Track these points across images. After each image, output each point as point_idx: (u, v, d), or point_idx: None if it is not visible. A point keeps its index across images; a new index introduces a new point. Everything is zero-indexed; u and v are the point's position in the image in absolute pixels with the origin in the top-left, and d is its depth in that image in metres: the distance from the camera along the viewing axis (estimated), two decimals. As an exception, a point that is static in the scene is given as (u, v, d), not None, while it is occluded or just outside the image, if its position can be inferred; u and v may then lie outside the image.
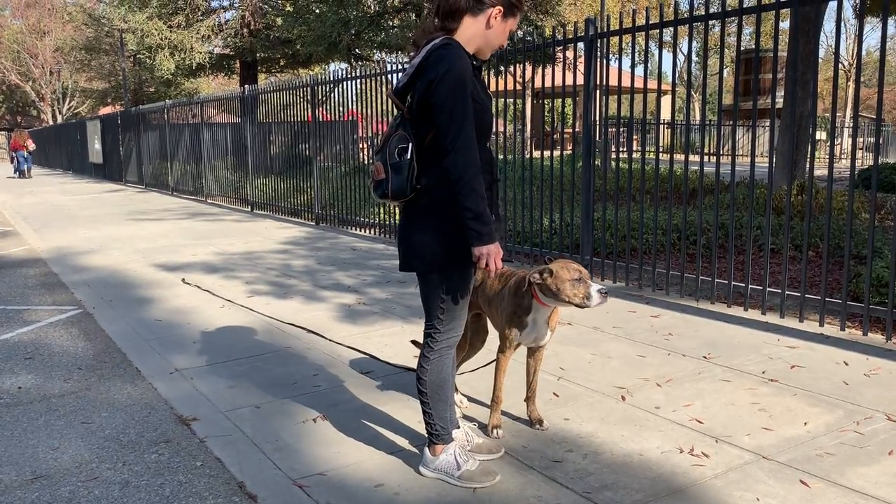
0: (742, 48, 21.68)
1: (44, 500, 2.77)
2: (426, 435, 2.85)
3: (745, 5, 5.12)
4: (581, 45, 6.50)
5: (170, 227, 11.03)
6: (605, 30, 6.28)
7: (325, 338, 4.83)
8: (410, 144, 2.57)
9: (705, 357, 4.29)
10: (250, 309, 5.67)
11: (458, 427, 2.99)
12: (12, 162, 27.44)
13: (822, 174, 15.91)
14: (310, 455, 3.09)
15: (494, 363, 3.16)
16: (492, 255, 2.49)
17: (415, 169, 2.57)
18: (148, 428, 3.44)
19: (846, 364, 4.13)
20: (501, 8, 2.57)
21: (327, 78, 10.52)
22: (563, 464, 2.95)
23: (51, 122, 45.05)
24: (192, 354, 4.54)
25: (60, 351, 4.71)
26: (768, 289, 5.18)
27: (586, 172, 6.50)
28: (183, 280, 6.84)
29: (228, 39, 19.96)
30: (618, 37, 6.16)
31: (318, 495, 2.74)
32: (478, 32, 2.60)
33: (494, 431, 3.16)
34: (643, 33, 5.91)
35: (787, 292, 5.08)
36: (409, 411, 3.52)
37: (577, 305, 2.85)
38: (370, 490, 2.77)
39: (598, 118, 6.47)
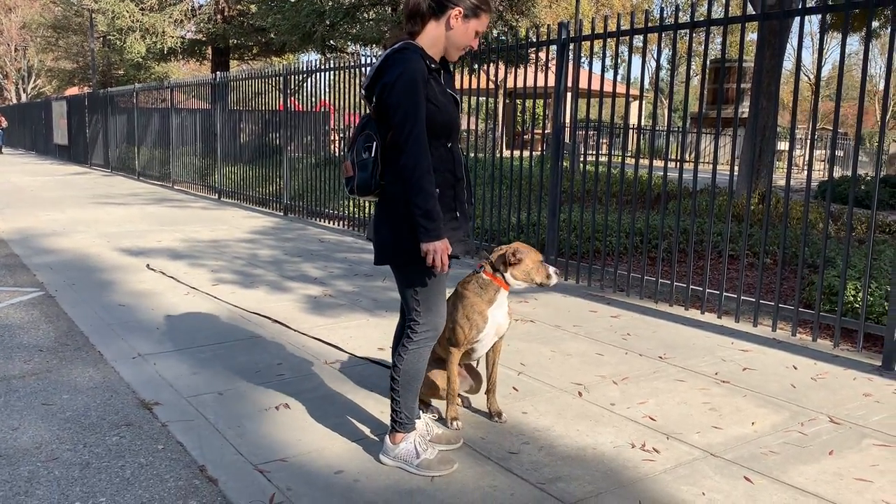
0: (713, 57, 22.06)
1: (2, 479, 2.78)
2: (389, 423, 2.92)
3: (713, 17, 5.26)
4: (553, 48, 6.60)
5: (135, 212, 10.93)
6: (577, 34, 6.38)
7: (291, 328, 4.87)
8: (375, 143, 2.68)
9: (661, 357, 4.41)
10: (215, 297, 5.67)
11: (419, 418, 3.06)
12: None
13: (794, 185, 16.27)
14: (271, 441, 3.13)
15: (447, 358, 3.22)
16: (438, 251, 2.59)
17: (378, 166, 2.68)
18: (109, 411, 3.45)
19: (795, 368, 4.28)
20: (461, 9, 2.66)
21: (300, 68, 10.50)
22: (520, 455, 3.04)
23: (14, 101, 44.07)
24: (155, 340, 4.54)
25: (21, 332, 4.68)
26: (725, 293, 5.34)
27: (554, 174, 6.61)
28: (147, 266, 6.81)
29: (201, 25, 19.77)
30: (590, 41, 6.26)
31: (279, 480, 2.79)
32: (440, 34, 2.70)
33: (453, 423, 3.23)
34: (615, 39, 6.02)
35: (742, 297, 5.23)
36: (371, 401, 3.58)
37: (539, 284, 3.14)
38: (330, 476, 2.83)
39: (567, 121, 6.58)
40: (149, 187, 15.25)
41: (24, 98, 44.81)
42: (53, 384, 3.78)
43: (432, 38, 2.70)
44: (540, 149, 7.50)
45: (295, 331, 4.80)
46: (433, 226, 2.57)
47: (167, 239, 8.45)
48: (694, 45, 33.57)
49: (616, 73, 6.27)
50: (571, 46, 6.47)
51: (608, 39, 6.04)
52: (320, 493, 2.70)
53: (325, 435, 3.20)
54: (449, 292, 3.22)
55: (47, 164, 22.82)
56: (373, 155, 2.67)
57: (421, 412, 3.13)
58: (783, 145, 26.37)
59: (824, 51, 13.05)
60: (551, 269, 3.17)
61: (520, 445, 3.13)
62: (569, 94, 6.71)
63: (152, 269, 6.65)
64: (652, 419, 3.46)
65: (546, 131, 7.27)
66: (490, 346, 3.25)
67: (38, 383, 3.79)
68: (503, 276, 3.10)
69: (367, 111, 2.79)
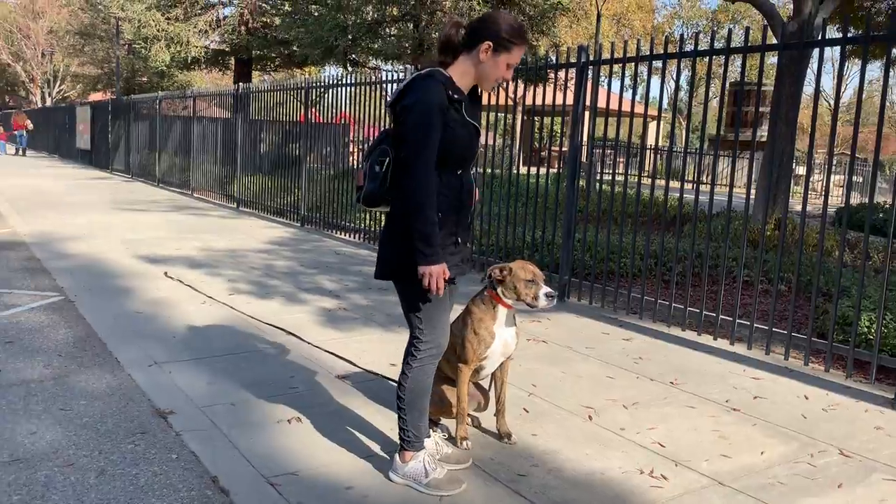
0: (732, 80, 22.06)
1: (20, 482, 2.84)
2: (398, 441, 2.95)
3: (733, 44, 5.29)
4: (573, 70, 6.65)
5: (155, 219, 11.06)
6: (597, 58, 6.43)
7: (305, 340, 4.92)
8: (388, 158, 2.77)
9: (672, 383, 4.42)
10: (231, 307, 5.74)
11: (429, 436, 3.10)
12: (15, 141, 30.06)
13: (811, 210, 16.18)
14: (283, 454, 3.17)
15: (457, 376, 3.25)
16: (434, 275, 2.66)
17: (387, 181, 2.77)
18: (125, 418, 3.51)
19: (807, 398, 4.27)
20: (490, 43, 2.73)
21: (322, 82, 10.62)
22: (528, 478, 3.06)
23: (39, 105, 44.71)
24: (171, 348, 4.61)
25: (41, 336, 4.76)
26: (738, 319, 5.34)
27: (570, 193, 6.64)
28: (165, 274, 6.89)
29: (225, 35, 20.04)
30: (609, 65, 6.31)
31: (290, 494, 2.83)
32: (470, 67, 2.78)
33: (463, 443, 3.26)
34: (633, 63, 6.06)
35: (755, 324, 5.23)
36: (382, 417, 3.62)
37: (528, 304, 3.08)
38: (340, 491, 2.86)
39: (584, 141, 6.62)
40: (168, 194, 15.42)
41: (48, 102, 45.43)
42: (71, 389, 3.85)
43: (462, 69, 2.78)
44: (557, 166, 7.54)
45: (308, 343, 4.85)
46: (430, 251, 2.64)
47: (185, 247, 8.55)
48: (714, 67, 33.56)
49: (635, 94, 6.31)
50: (590, 69, 6.52)
51: (627, 63, 6.09)
52: (330, 508, 2.74)
53: (335, 450, 3.24)
54: (460, 310, 3.26)
55: (69, 168, 23.12)
56: (383, 169, 2.77)
57: (431, 431, 3.16)
58: (802, 170, 26.25)
59: (844, 77, 13.04)
60: (542, 292, 3.06)
61: (529, 468, 3.16)
62: (586, 114, 6.75)
63: (170, 277, 6.73)
64: (661, 445, 3.47)
65: (563, 149, 7.31)
66: (497, 364, 3.28)
67: (56, 388, 3.86)
68: (498, 293, 3.15)
69: (389, 125, 2.88)
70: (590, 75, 6.50)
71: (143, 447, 3.20)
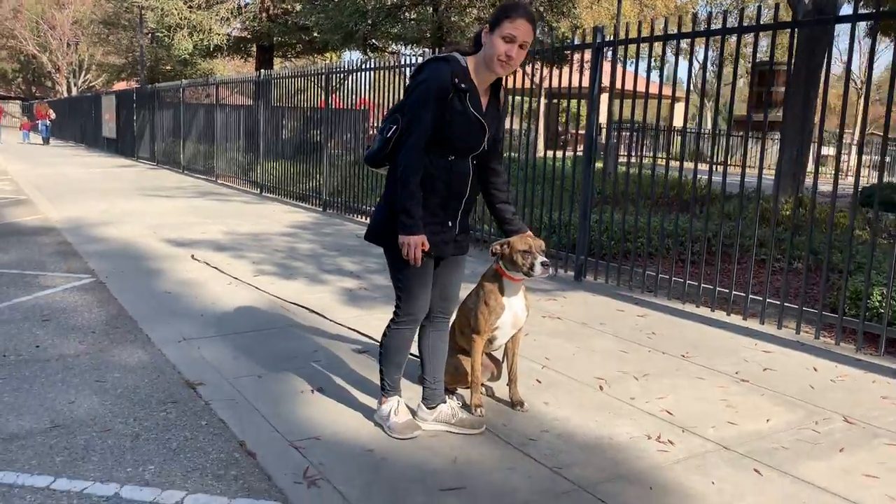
0: (758, 59, 21.88)
1: (61, 445, 3.04)
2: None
3: (762, 20, 5.29)
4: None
5: (181, 205, 11.30)
6: (614, 38, 6.50)
7: (327, 318, 5.09)
8: (395, 127, 2.96)
9: (684, 356, 4.53)
10: (256, 287, 5.93)
11: (445, 402, 3.26)
12: (37, 130, 31.03)
13: (829, 189, 16.02)
14: (306, 421, 3.34)
15: (470, 347, 3.40)
16: (411, 245, 2.85)
17: (389, 146, 2.97)
18: (157, 389, 3.70)
19: (815, 370, 4.37)
20: (487, 25, 2.90)
21: (342, 67, 10.76)
22: (538, 442, 3.21)
23: (65, 95, 45.36)
24: (199, 325, 4.80)
25: (75, 315, 4.98)
26: (751, 295, 5.42)
27: (586, 175, 6.74)
28: (192, 256, 7.10)
29: (247, 23, 20.22)
30: (624, 46, 6.37)
31: (312, 456, 3.00)
32: (481, 55, 2.93)
33: (477, 410, 3.41)
34: (657, 42, 6.11)
35: (768, 300, 5.31)
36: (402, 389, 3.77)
37: (524, 274, 3.20)
38: (361, 454, 3.03)
39: (600, 123, 6.70)
40: (193, 181, 15.69)
41: (74, 92, 46.08)
42: (105, 363, 4.05)
43: (477, 60, 2.94)
44: (575, 149, 7.63)
45: (331, 321, 5.02)
46: (411, 222, 2.83)
47: (211, 231, 8.77)
48: (744, 48, 33.15)
49: (649, 74, 6.38)
50: (607, 50, 6.58)
51: (645, 43, 6.15)
52: (351, 468, 2.90)
53: (356, 417, 3.40)
54: (472, 286, 3.41)
55: (96, 156, 23.53)
56: (388, 135, 2.97)
57: (447, 398, 3.32)
58: (828, 150, 25.99)
59: (853, 54, 12.86)
60: (538, 261, 3.14)
61: (539, 433, 3.30)
62: (603, 96, 6.83)
63: (197, 260, 6.94)
64: (669, 413, 3.59)
65: (579, 131, 7.40)
66: (509, 335, 3.42)
67: (91, 362, 4.06)
68: (502, 267, 3.28)
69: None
70: (609, 56, 6.57)
71: (175, 415, 3.39)
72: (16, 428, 3.19)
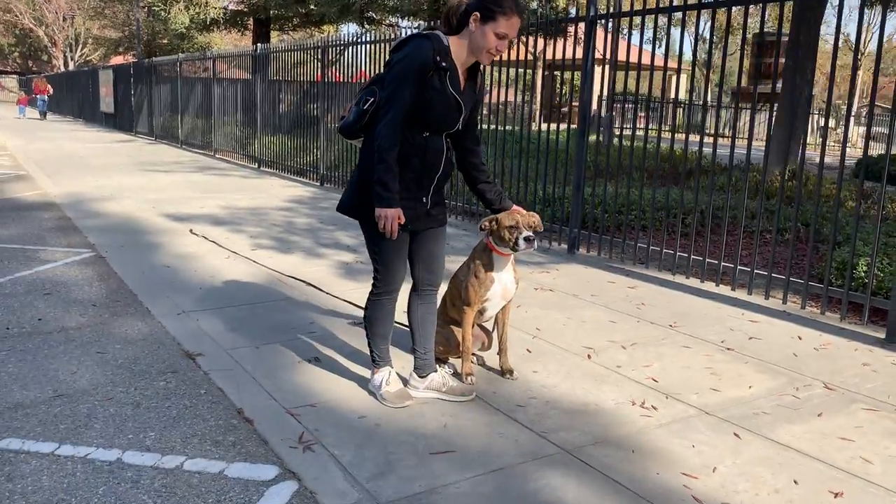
0: (755, 32, 21.77)
1: (65, 414, 3.15)
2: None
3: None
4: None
5: (179, 180, 11.36)
6: (606, 11, 6.52)
7: (323, 291, 5.19)
8: (372, 99, 3.00)
9: (671, 326, 4.64)
10: (254, 261, 6.02)
11: (436, 371, 3.37)
12: (35, 105, 31.44)
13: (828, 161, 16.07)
14: (302, 390, 3.45)
15: (461, 318, 3.50)
16: (388, 218, 2.92)
17: (365, 119, 3.01)
18: (157, 360, 3.81)
19: (800, 339, 4.47)
20: (478, 13, 2.89)
21: (339, 40, 10.75)
22: (526, 408, 3.32)
23: (62, 69, 45.10)
24: (197, 298, 4.90)
25: (76, 289, 5.08)
26: (739, 267, 5.51)
27: (580, 148, 6.79)
28: (191, 230, 7.19)
29: (243, -5, 20.07)
30: (616, 18, 6.39)
31: (308, 422, 3.11)
32: (465, 39, 2.96)
33: (467, 378, 3.52)
34: (641, 16, 6.15)
35: (756, 270, 5.41)
36: (394, 359, 3.87)
37: (511, 249, 3.29)
38: (354, 420, 3.14)
39: (594, 95, 6.74)
40: (191, 155, 15.72)
41: (71, 66, 45.81)
42: (106, 335, 4.15)
43: (460, 42, 2.97)
44: (569, 123, 7.66)
45: (327, 293, 5.12)
46: (387, 195, 2.89)
47: (209, 206, 8.84)
48: (734, 21, 32.95)
49: (641, 46, 6.40)
50: (601, 22, 6.61)
51: (635, 17, 6.18)
52: (344, 433, 3.02)
53: (350, 386, 3.51)
54: (463, 259, 3.50)
55: (94, 131, 23.51)
56: (365, 108, 3.01)
57: (438, 367, 3.43)
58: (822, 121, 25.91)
59: (842, 22, 12.84)
60: (522, 236, 3.21)
61: (527, 399, 3.41)
62: (598, 69, 6.86)
63: (195, 234, 7.02)
64: (654, 380, 3.70)
65: (572, 103, 7.44)
66: (499, 307, 3.52)
67: (92, 334, 4.16)
68: (492, 241, 3.37)
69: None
70: (608, 28, 6.59)
71: (174, 384, 3.50)
72: (20, 397, 3.30)
